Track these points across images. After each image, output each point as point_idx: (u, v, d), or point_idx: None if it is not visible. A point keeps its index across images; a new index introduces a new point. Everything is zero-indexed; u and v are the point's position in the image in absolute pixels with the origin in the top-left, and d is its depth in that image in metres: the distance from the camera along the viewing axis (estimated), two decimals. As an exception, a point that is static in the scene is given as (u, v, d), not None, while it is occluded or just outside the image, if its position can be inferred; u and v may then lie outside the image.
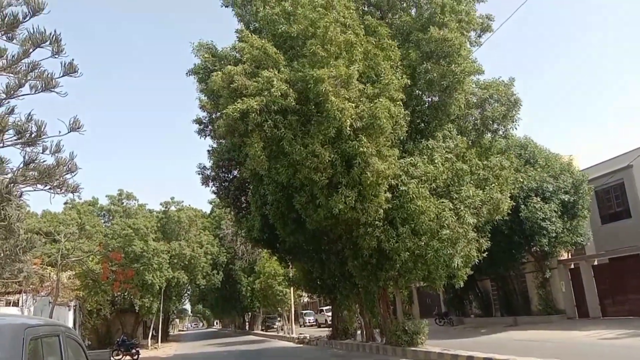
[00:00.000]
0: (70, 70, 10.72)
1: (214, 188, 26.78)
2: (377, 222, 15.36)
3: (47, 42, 10.44)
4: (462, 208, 14.99)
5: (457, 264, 14.76)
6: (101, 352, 24.82)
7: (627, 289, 22.22)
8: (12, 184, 10.70)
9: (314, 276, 24.60)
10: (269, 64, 14.68)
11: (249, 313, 60.41)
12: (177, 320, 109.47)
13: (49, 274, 30.27)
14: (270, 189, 20.02)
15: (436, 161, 15.62)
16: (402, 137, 15.95)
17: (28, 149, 10.91)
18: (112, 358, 28.17)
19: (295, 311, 46.52)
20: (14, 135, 10.72)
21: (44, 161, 11.05)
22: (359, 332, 25.05)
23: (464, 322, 30.88)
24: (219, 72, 14.91)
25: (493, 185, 16.04)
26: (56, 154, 11.06)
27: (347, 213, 14.92)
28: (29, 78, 10.74)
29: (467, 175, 15.78)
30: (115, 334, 42.13)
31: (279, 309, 44.75)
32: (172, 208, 46.93)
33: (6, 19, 10.35)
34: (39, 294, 30.06)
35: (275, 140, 14.71)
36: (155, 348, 42.20)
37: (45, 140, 10.89)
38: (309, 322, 55.95)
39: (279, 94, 13.82)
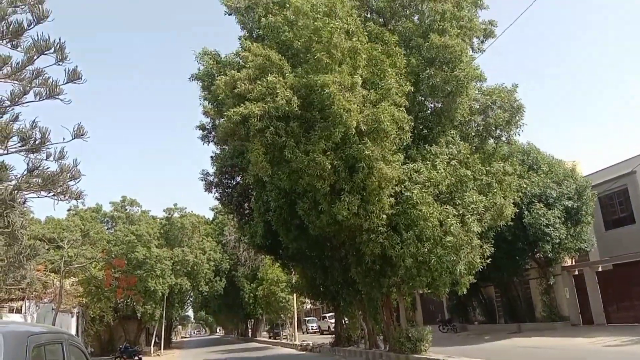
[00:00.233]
0: (74, 77, 10.78)
1: (217, 194, 26.83)
2: (380, 228, 15.32)
3: (52, 50, 10.50)
4: (467, 215, 14.94)
5: (461, 271, 14.70)
6: (104, 360, 24.79)
7: (631, 295, 22.09)
8: (16, 191, 10.73)
9: (316, 283, 24.55)
10: (273, 70, 14.71)
11: (252, 320, 60.27)
12: (180, 327, 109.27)
13: (52, 280, 30.28)
14: (273, 195, 20.02)
15: (439, 167, 15.60)
16: (405, 143, 15.93)
17: (32, 156, 10.96)
18: (114, 365, 28.12)
19: (298, 318, 46.36)
20: (19, 142, 10.76)
21: (48, 168, 11.10)
22: (362, 339, 24.95)
23: (467, 328, 30.74)
24: (223, 77, 14.95)
25: (496, 190, 16.00)
26: (60, 161, 11.11)
27: (351, 219, 14.89)
28: (33, 85, 10.79)
29: (470, 182, 15.74)
30: (117, 341, 42.10)
31: (282, 315, 44.63)
32: (176, 215, 46.96)
33: (11, 26, 10.41)
34: (42, 301, 30.09)
35: (277, 147, 14.72)
36: (158, 355, 42.11)
37: (49, 147, 10.95)
38: (312, 329, 55.77)
39: (284, 101, 13.84)
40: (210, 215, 55.16)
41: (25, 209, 12.43)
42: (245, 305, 51.63)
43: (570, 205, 23.19)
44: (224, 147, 23.80)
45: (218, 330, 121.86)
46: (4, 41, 10.77)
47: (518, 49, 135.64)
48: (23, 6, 10.87)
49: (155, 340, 44.17)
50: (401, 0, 18.50)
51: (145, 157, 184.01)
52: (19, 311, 28.76)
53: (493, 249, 16.30)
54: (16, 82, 10.83)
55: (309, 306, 68.58)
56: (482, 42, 19.44)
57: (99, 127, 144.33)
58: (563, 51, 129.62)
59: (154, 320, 42.02)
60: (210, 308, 68.46)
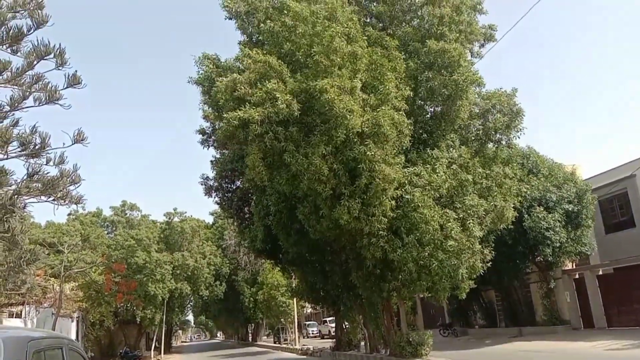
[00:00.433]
0: (74, 82, 10.77)
1: (217, 198, 26.83)
2: (381, 232, 15.31)
3: (51, 55, 10.50)
4: (469, 219, 14.92)
5: (462, 276, 14.68)
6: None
7: (632, 299, 22.06)
8: (16, 196, 10.72)
9: (317, 287, 24.52)
10: (273, 75, 14.73)
11: (252, 324, 60.16)
12: (180, 331, 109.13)
13: (52, 285, 30.23)
14: (273, 200, 20.02)
15: (439, 171, 15.60)
16: (405, 147, 15.94)
17: (32, 161, 10.94)
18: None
19: (298, 322, 46.27)
20: (18, 147, 10.75)
21: (48, 173, 11.08)
22: (362, 343, 24.90)
23: (468, 333, 30.68)
24: (223, 79, 14.97)
25: (496, 194, 16.00)
26: (60, 166, 11.09)
27: (351, 223, 14.88)
28: (33, 90, 10.80)
29: (471, 185, 15.75)
30: (118, 346, 42.04)
31: (282, 320, 44.55)
32: (175, 219, 46.94)
33: (11, 32, 10.43)
34: (41, 306, 30.01)
35: (276, 152, 14.73)
36: (158, 359, 42.02)
37: (49, 151, 10.93)
38: (312, 334, 55.63)
39: (285, 105, 13.86)
40: (210, 219, 55.21)
41: (25, 213, 12.43)
42: (245, 309, 51.55)
43: (570, 208, 23.19)
44: (223, 151, 23.84)
45: (218, 334, 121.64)
46: (4, 46, 10.78)
47: (517, 52, 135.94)
48: (23, 11, 10.89)
49: (155, 344, 44.09)
50: (400, 5, 18.55)
51: (146, 161, 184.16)
52: (18, 316, 28.69)
53: (493, 252, 16.30)
54: (16, 87, 10.83)
55: (309, 310, 68.46)
56: (483, 46, 19.48)
57: (99, 131, 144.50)
58: (562, 53, 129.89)
59: (154, 324, 41.95)
60: (211, 312, 68.37)
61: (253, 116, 13.76)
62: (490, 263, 16.05)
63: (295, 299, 37.51)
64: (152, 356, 42.05)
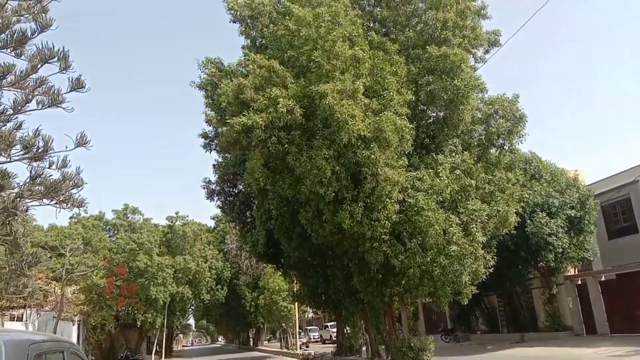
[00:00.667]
0: (77, 85, 10.80)
1: (218, 202, 26.84)
2: (383, 237, 15.27)
3: (55, 58, 10.53)
4: (472, 224, 14.88)
5: (465, 281, 14.62)
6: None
7: (635, 305, 21.97)
8: (18, 199, 10.73)
9: (318, 292, 24.47)
10: (276, 81, 14.76)
11: (253, 328, 60.08)
12: (181, 335, 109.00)
13: (54, 288, 30.24)
14: (275, 204, 20.01)
15: (442, 175, 15.57)
16: (408, 151, 15.93)
17: (35, 164, 10.96)
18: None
19: (299, 327, 46.19)
20: (21, 150, 10.78)
21: (50, 176, 11.09)
22: (364, 348, 24.83)
23: (470, 338, 30.56)
24: (230, 82, 14.99)
25: (499, 199, 15.96)
26: (62, 169, 11.11)
27: (354, 227, 14.86)
28: (36, 93, 10.83)
29: (473, 190, 15.71)
30: (119, 350, 42.01)
31: (282, 324, 44.48)
32: (178, 223, 46.99)
33: (15, 35, 10.47)
34: (43, 309, 30.00)
35: (278, 156, 14.73)
36: (159, 363, 41.98)
37: (52, 155, 10.95)
38: (314, 338, 55.46)
39: (286, 110, 13.88)
40: (211, 223, 55.24)
41: (27, 216, 12.44)
42: (246, 314, 51.51)
43: (573, 214, 23.13)
44: (226, 155, 23.85)
45: (219, 339, 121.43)
46: (8, 49, 10.82)
47: (520, 57, 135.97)
48: (27, 15, 10.94)
49: (156, 348, 44.07)
50: (404, 10, 18.57)
51: (148, 165, 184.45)
52: (20, 319, 28.68)
53: (496, 258, 16.25)
54: (19, 90, 10.87)
55: (311, 315, 68.32)
56: (487, 52, 19.48)
57: (102, 135, 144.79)
58: (566, 58, 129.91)
59: (155, 328, 41.95)
60: (212, 317, 68.32)
61: (257, 121, 13.77)
62: (493, 268, 15.98)
63: (296, 304, 37.43)
64: (153, 360, 41.99)
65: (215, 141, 23.08)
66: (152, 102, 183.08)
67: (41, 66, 10.77)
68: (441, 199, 15.25)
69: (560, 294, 25.23)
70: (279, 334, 54.67)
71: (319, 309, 34.42)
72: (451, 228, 14.58)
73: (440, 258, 14.45)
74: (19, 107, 10.81)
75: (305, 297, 27.21)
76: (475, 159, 17.47)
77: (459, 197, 15.64)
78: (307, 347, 43.38)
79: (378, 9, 19.42)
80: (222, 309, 56.55)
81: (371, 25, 19.35)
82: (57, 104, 10.76)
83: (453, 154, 16.93)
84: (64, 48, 10.55)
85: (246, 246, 28.97)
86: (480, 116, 18.36)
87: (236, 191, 26.52)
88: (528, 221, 22.59)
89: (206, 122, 21.60)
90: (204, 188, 26.25)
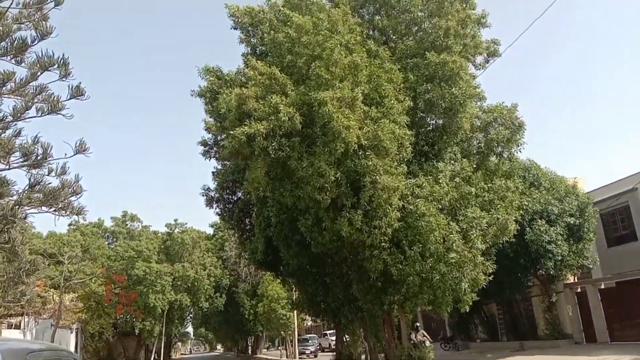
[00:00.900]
0: (77, 93, 10.83)
1: (218, 210, 26.77)
2: (383, 244, 15.24)
3: (55, 66, 10.56)
4: (472, 232, 14.85)
5: (464, 289, 14.57)
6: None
7: (635, 313, 21.92)
8: (17, 206, 10.71)
9: (317, 299, 24.37)
10: (276, 89, 14.79)
11: (252, 336, 59.82)
12: (179, 343, 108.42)
13: (52, 296, 30.14)
14: (274, 211, 19.98)
15: (442, 182, 15.57)
16: (407, 158, 15.92)
17: (34, 171, 10.96)
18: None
19: (298, 335, 45.99)
20: (20, 158, 10.78)
21: (49, 183, 11.09)
22: (363, 356, 24.71)
23: (469, 346, 30.45)
24: (232, 92, 14.99)
25: (499, 207, 15.94)
26: (61, 176, 11.11)
27: (353, 235, 14.82)
28: (36, 101, 10.84)
29: (473, 198, 15.70)
30: (117, 358, 41.82)
31: (282, 332, 44.28)
32: (176, 230, 46.92)
33: (15, 43, 10.49)
34: (41, 317, 29.91)
35: (279, 163, 14.72)
36: (157, 372, 41.75)
37: (51, 162, 10.95)
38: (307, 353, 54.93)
39: (287, 118, 13.90)
40: (210, 231, 55.17)
41: (26, 224, 12.43)
42: (245, 322, 51.32)
43: (572, 222, 23.11)
44: (225, 162, 23.83)
45: (218, 347, 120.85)
46: (8, 57, 10.84)
47: (521, 59, 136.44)
48: (27, 23, 10.97)
49: (154, 356, 43.87)
50: (403, 19, 18.63)
51: (148, 171, 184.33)
52: (17, 327, 28.57)
53: (495, 266, 16.21)
54: (19, 97, 10.88)
55: (309, 323, 68.05)
56: (487, 61, 19.54)
57: (101, 141, 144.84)
58: (566, 59, 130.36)
59: (153, 336, 41.78)
60: (210, 325, 68.05)
61: (259, 129, 13.79)
62: (492, 276, 15.94)
63: (295, 312, 37.29)
64: (151, 368, 41.79)
65: (214, 149, 23.06)
66: (152, 109, 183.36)
67: (41, 74, 10.80)
68: (440, 206, 15.23)
69: (560, 301, 25.16)
70: (278, 342, 54.45)
71: (318, 317, 34.27)
72: (451, 235, 14.56)
73: (440, 265, 14.41)
74: (19, 114, 10.82)
75: (304, 305, 27.10)
76: (475, 166, 17.47)
77: (458, 205, 15.62)
78: (315, 356, 42.60)
79: (378, 17, 19.50)
80: (221, 317, 56.35)
81: (371, 33, 19.41)
82: (57, 111, 10.77)
83: (452, 162, 16.93)
84: (63, 55, 10.59)
85: (245, 254, 28.89)
86: (479, 124, 18.39)
87: (235, 198, 26.47)
88: (527, 229, 22.56)
89: (205, 129, 21.61)
90: (203, 195, 26.22)
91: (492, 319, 30.92)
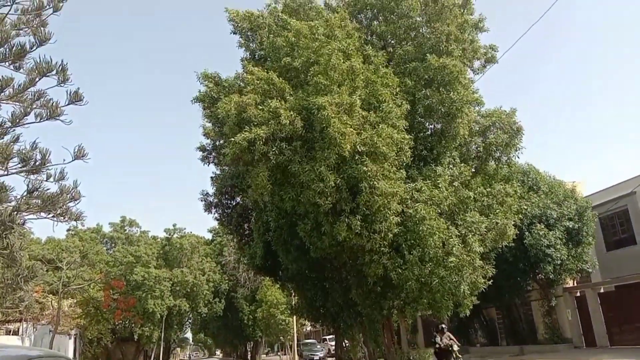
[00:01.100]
0: (75, 98, 10.82)
1: (216, 215, 26.74)
2: (383, 249, 15.23)
3: (53, 72, 10.57)
4: (469, 235, 14.85)
5: (464, 292, 14.56)
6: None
7: (635, 317, 21.89)
8: (15, 212, 10.68)
9: (316, 304, 24.35)
10: (275, 94, 14.80)
11: (251, 342, 59.68)
12: (178, 349, 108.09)
13: (50, 302, 30.06)
14: (273, 216, 19.96)
15: (441, 186, 15.57)
16: (406, 163, 15.92)
17: (32, 177, 10.93)
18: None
19: (298, 340, 45.87)
20: (19, 163, 10.76)
21: (48, 189, 11.06)
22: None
23: (469, 351, 30.37)
24: (231, 100, 14.99)
25: (497, 212, 15.95)
26: (60, 182, 11.09)
27: (353, 239, 14.81)
28: (34, 107, 10.84)
29: (472, 203, 15.70)
30: (115, 364, 41.61)
31: (281, 337, 44.18)
32: (175, 235, 46.88)
33: (14, 49, 10.50)
34: (39, 323, 29.81)
35: (280, 167, 14.72)
36: (156, 378, 41.61)
37: (50, 168, 10.94)
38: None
39: (288, 122, 13.92)
40: (209, 236, 55.11)
41: (25, 230, 12.38)
42: (244, 327, 51.21)
43: (571, 226, 23.12)
44: (223, 168, 23.83)
45: (217, 352, 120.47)
46: (7, 63, 10.85)
47: (518, 65, 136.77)
48: (26, 29, 10.98)
49: (153, 362, 43.67)
50: (402, 24, 18.67)
51: (146, 176, 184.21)
52: (15, 333, 28.46)
53: (494, 270, 16.20)
54: (18, 103, 10.88)
55: (309, 328, 67.91)
56: (484, 66, 19.59)
57: (100, 145, 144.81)
58: (564, 66, 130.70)
59: (152, 342, 41.66)
60: (209, 330, 67.90)
61: (259, 134, 13.79)
62: (491, 280, 15.93)
63: (295, 317, 37.21)
64: (149, 374, 41.64)
65: (213, 154, 23.06)
66: (151, 113, 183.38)
67: (39, 79, 10.80)
68: (440, 211, 15.23)
69: (559, 306, 25.14)
70: (277, 347, 54.28)
71: (317, 322, 34.18)
72: (450, 239, 14.56)
73: (439, 269, 14.40)
74: (18, 120, 10.82)
75: (304, 310, 27.07)
76: (474, 171, 17.48)
77: (457, 209, 15.63)
78: None
79: (376, 22, 19.55)
80: (220, 322, 56.22)
81: (369, 38, 19.45)
82: (56, 116, 10.76)
83: (451, 166, 16.94)
84: (62, 61, 10.59)
85: (244, 259, 28.86)
86: (477, 129, 18.42)
87: (234, 203, 26.46)
88: (526, 233, 22.56)
89: (204, 135, 21.61)
90: (201, 200, 26.21)
91: (491, 324, 30.88)
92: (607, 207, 25.55)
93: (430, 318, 31.12)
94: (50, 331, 27.56)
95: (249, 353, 62.28)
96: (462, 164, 17.08)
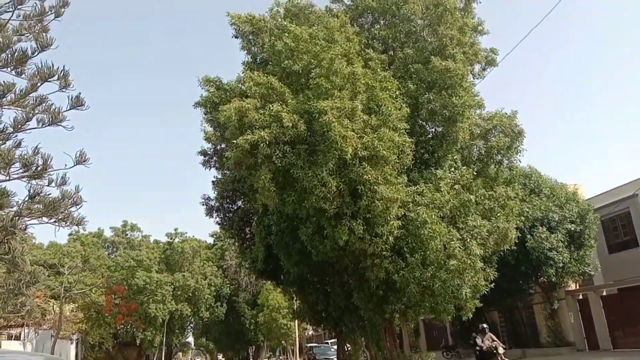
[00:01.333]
0: (77, 103, 10.84)
1: (218, 219, 26.76)
2: (385, 253, 15.21)
3: (55, 77, 10.60)
4: (468, 239, 14.83)
5: (466, 295, 14.52)
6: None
7: (637, 319, 21.83)
8: (17, 217, 10.70)
9: (318, 308, 24.31)
10: (275, 98, 14.83)
11: (253, 346, 59.60)
12: (180, 354, 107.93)
13: (52, 307, 30.06)
14: (275, 220, 19.97)
15: (443, 190, 15.56)
16: (408, 166, 15.91)
17: (34, 182, 10.94)
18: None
19: (300, 344, 45.79)
20: (21, 169, 10.77)
21: (49, 194, 11.08)
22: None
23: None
24: (231, 106, 15.01)
25: (499, 215, 15.92)
26: (62, 187, 11.10)
27: (355, 243, 14.79)
28: (36, 112, 10.86)
29: (473, 206, 15.68)
30: (117, 368, 41.57)
31: (282, 342, 44.11)
32: (176, 239, 46.92)
33: (16, 54, 10.54)
34: (41, 328, 29.81)
35: (283, 171, 14.72)
36: (158, 382, 41.56)
37: (51, 173, 10.95)
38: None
39: (290, 124, 13.94)
40: (210, 240, 55.12)
41: (26, 235, 12.39)
42: (246, 331, 51.15)
43: (573, 228, 23.08)
44: (225, 172, 23.87)
45: (219, 357, 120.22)
46: (9, 68, 10.88)
47: (519, 72, 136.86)
48: (28, 34, 11.03)
49: (155, 367, 43.62)
50: (403, 27, 18.70)
51: (148, 180, 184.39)
52: (17, 338, 28.46)
53: (497, 273, 16.17)
54: (19, 108, 10.90)
55: (310, 332, 67.82)
56: (484, 69, 19.61)
57: (101, 149, 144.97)
58: (564, 67, 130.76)
59: (153, 346, 41.64)
60: (211, 334, 67.84)
61: (262, 137, 13.81)
62: (493, 284, 15.90)
63: (296, 321, 37.16)
64: (151, 379, 41.59)
65: (214, 158, 23.11)
66: (152, 117, 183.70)
67: (41, 84, 10.83)
68: (442, 214, 15.22)
69: (562, 309, 25.08)
70: (279, 351, 54.20)
71: (319, 326, 34.14)
72: (451, 242, 14.54)
73: (441, 273, 14.37)
74: (19, 126, 10.84)
75: (305, 314, 27.03)
76: (475, 174, 17.47)
77: (459, 213, 15.61)
78: None
79: (377, 26, 19.59)
80: (222, 327, 56.18)
81: (370, 42, 19.48)
82: (57, 122, 10.78)
83: (453, 169, 16.94)
84: (64, 67, 10.62)
85: (245, 263, 28.85)
86: (479, 132, 18.42)
87: (235, 207, 26.48)
88: (528, 236, 22.52)
89: (205, 139, 21.65)
90: (203, 204, 26.23)
91: (494, 327, 30.74)
92: (609, 209, 25.52)
93: (432, 322, 31.10)
94: (52, 336, 27.56)
95: (251, 357, 62.21)
96: (464, 167, 17.06)
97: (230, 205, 26.52)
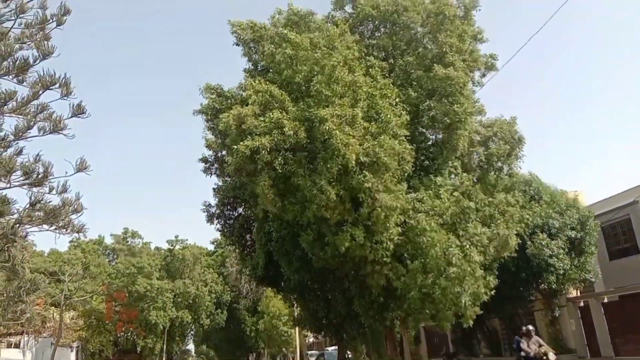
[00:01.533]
0: (78, 111, 10.89)
1: (218, 226, 26.77)
2: (385, 259, 15.20)
3: (57, 85, 10.64)
4: (468, 246, 14.83)
5: (465, 303, 14.50)
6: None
7: (639, 326, 21.73)
8: (17, 225, 10.72)
9: (319, 315, 24.27)
10: (276, 106, 14.89)
11: (254, 353, 59.41)
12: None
13: (52, 314, 30.01)
14: (276, 226, 19.98)
15: (443, 197, 15.58)
16: (408, 173, 15.94)
17: (34, 190, 10.97)
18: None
19: (300, 351, 45.65)
20: (21, 176, 10.80)
21: (50, 202, 11.10)
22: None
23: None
24: (230, 114, 15.07)
25: (499, 221, 15.92)
26: (62, 194, 11.12)
27: (356, 250, 14.80)
28: (37, 120, 10.90)
29: (473, 213, 15.69)
30: (117, 376, 41.43)
31: (283, 349, 44.00)
32: (177, 246, 46.93)
33: (17, 62, 10.59)
34: (41, 335, 29.76)
35: (283, 178, 14.75)
36: (158, 390, 41.41)
37: (52, 180, 10.98)
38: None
39: (292, 132, 13.99)
40: (211, 247, 55.09)
41: (27, 242, 12.40)
42: (246, 338, 51.02)
43: (573, 235, 23.02)
44: (226, 179, 23.91)
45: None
46: (10, 76, 10.94)
47: (520, 75, 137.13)
48: (30, 42, 11.09)
49: (155, 375, 43.47)
50: (403, 35, 18.78)
51: (149, 186, 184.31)
52: (17, 346, 28.40)
53: (497, 280, 16.14)
54: (21, 116, 10.95)
55: (311, 339, 67.63)
56: (484, 75, 19.68)
57: (101, 151, 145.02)
58: (564, 68, 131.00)
59: (154, 354, 41.56)
60: (212, 342, 67.67)
61: (263, 143, 13.86)
62: (494, 291, 15.88)
63: (297, 328, 37.06)
64: (151, 386, 41.45)
65: (215, 165, 23.15)
66: (152, 117, 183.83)
67: (42, 92, 10.88)
68: (442, 221, 15.23)
69: (563, 316, 24.97)
70: (279, 359, 53.97)
71: (319, 333, 34.05)
72: (451, 249, 14.54)
73: (441, 280, 14.37)
74: (20, 134, 10.88)
75: (306, 321, 26.97)
76: (475, 181, 17.49)
77: (459, 220, 15.61)
78: None
79: (377, 34, 19.67)
80: (222, 334, 56.05)
81: (370, 50, 19.56)
82: (59, 130, 10.82)
83: (453, 176, 16.97)
84: (65, 75, 10.67)
85: (246, 269, 28.85)
86: (479, 139, 18.46)
87: (236, 214, 26.50)
88: (529, 243, 22.46)
89: (206, 146, 21.71)
90: (204, 211, 26.25)
91: (494, 334, 30.68)
92: (610, 216, 25.48)
93: (433, 329, 31.00)
94: (51, 344, 27.49)
95: (252, 365, 62.01)
96: (464, 174, 17.10)
97: (231, 212, 26.54)
